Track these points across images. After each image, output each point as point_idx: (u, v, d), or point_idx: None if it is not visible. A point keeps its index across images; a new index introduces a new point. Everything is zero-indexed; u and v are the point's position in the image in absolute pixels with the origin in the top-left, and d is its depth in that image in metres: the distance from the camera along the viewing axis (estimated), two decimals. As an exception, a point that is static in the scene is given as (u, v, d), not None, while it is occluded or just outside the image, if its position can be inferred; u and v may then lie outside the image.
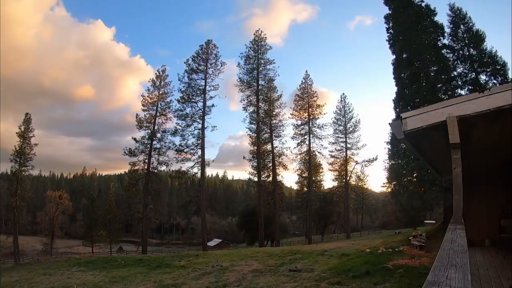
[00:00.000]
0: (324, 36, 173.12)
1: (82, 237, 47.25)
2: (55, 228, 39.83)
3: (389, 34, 21.99)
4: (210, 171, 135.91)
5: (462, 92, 19.35)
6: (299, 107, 42.01)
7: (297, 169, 43.20)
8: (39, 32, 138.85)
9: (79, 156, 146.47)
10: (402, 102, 19.83)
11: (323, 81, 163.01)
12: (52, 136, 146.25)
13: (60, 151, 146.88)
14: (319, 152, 42.76)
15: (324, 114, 41.72)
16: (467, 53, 20.25)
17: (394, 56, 21.36)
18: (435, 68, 20.22)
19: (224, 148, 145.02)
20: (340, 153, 44.48)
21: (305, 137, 41.50)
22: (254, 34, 38.49)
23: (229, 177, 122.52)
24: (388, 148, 23.23)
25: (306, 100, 41.83)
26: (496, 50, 19.55)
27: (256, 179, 37.35)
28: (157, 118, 34.65)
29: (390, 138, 22.36)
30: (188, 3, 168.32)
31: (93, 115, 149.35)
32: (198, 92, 34.84)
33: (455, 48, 20.67)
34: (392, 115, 22.38)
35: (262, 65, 37.86)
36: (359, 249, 15.17)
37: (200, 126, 34.43)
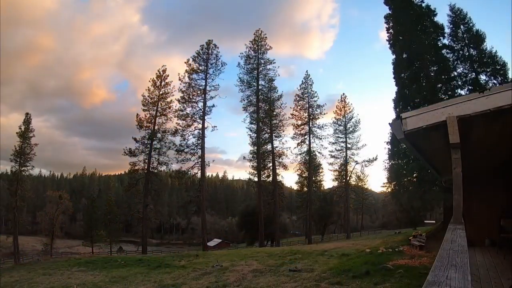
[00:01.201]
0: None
1: (82, 237, 47.25)
2: (55, 228, 39.83)
3: (389, 34, 22.01)
4: (210, 171, 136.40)
5: (462, 92, 19.37)
6: (299, 107, 41.99)
7: (297, 169, 43.21)
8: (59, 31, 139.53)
9: (82, 156, 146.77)
10: (402, 102, 19.84)
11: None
12: (65, 136, 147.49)
13: (73, 151, 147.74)
14: (319, 152, 42.79)
15: (324, 114, 41.72)
16: (467, 53, 20.26)
17: (394, 56, 21.38)
18: (435, 68, 20.23)
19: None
20: (340, 153, 44.48)
21: (305, 137, 41.46)
22: (254, 34, 38.47)
23: (229, 177, 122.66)
24: (388, 148, 23.23)
25: (306, 100, 41.82)
26: (496, 50, 19.61)
27: (256, 179, 37.35)
28: (157, 118, 34.67)
29: (390, 138, 22.36)
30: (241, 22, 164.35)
31: (101, 116, 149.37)
32: (199, 92, 34.89)
33: (455, 48, 20.68)
34: (392, 115, 22.40)
35: (262, 65, 37.87)
36: (359, 249, 15.17)
37: (200, 126, 34.49)
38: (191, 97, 34.67)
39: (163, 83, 35.50)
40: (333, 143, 44.21)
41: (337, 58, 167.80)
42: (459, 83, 20.07)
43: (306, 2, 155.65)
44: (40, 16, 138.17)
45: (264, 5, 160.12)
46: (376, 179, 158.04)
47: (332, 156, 44.28)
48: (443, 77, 19.97)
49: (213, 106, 35.21)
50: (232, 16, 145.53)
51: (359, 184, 50.18)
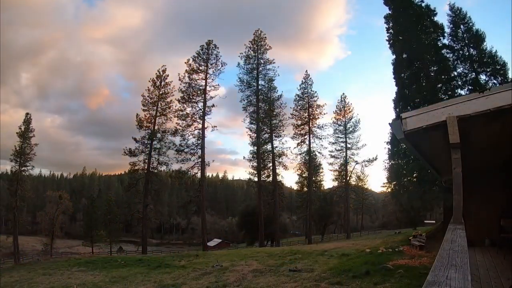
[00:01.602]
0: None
1: (82, 237, 47.21)
2: (55, 228, 39.80)
3: (389, 34, 21.99)
4: (210, 171, 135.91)
5: (462, 92, 19.37)
6: (299, 107, 42.00)
7: (297, 169, 43.22)
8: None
9: (85, 156, 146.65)
10: (402, 102, 19.84)
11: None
12: (70, 136, 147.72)
13: (76, 151, 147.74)
14: (319, 152, 42.81)
15: (324, 114, 41.73)
16: (467, 53, 20.26)
17: (394, 56, 21.38)
18: (435, 68, 20.22)
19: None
20: (340, 153, 44.47)
21: (305, 137, 41.47)
22: (254, 34, 38.47)
23: (229, 177, 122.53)
24: (388, 148, 23.22)
25: (306, 100, 41.82)
26: (496, 50, 19.61)
27: (256, 179, 37.34)
28: (157, 118, 34.68)
29: (390, 138, 22.35)
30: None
31: (105, 116, 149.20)
32: (199, 92, 34.89)
33: (455, 48, 20.68)
34: (392, 115, 22.39)
35: (262, 65, 37.87)
36: (359, 249, 15.16)
37: (200, 126, 34.49)
38: (191, 97, 34.69)
39: (163, 83, 35.52)
40: (333, 143, 44.28)
41: (352, 64, 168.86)
42: (459, 83, 20.07)
43: (325, 11, 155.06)
44: (48, 14, 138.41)
45: (285, 12, 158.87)
46: (376, 179, 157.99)
47: (332, 156, 44.35)
48: (443, 77, 19.96)
49: (213, 106, 35.27)
50: (251, 22, 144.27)
51: (359, 184, 50.14)
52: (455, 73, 20.32)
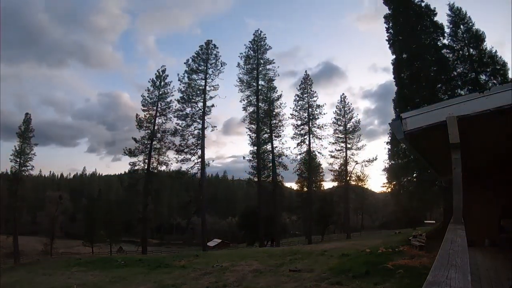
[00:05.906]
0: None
1: (82, 237, 47.18)
2: (55, 228, 39.80)
3: (389, 34, 22.00)
4: (210, 171, 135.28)
5: (462, 92, 19.38)
6: (299, 107, 41.95)
7: (297, 169, 43.16)
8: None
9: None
10: (402, 102, 19.85)
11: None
12: None
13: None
14: (319, 152, 42.75)
15: (324, 114, 41.71)
16: (467, 53, 20.28)
17: (394, 56, 21.39)
18: (435, 68, 20.23)
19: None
20: (340, 153, 44.42)
21: (305, 137, 41.42)
22: (254, 34, 38.51)
23: (229, 177, 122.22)
24: (388, 148, 23.27)
25: (306, 100, 41.80)
26: (496, 50, 19.63)
27: (256, 179, 37.33)
28: (157, 118, 34.74)
29: (390, 138, 22.37)
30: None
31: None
32: (198, 92, 34.93)
33: (455, 48, 20.69)
34: (392, 115, 22.42)
35: (262, 65, 37.87)
36: (359, 249, 15.15)
37: (200, 126, 34.50)
38: (190, 97, 34.72)
39: (162, 83, 35.54)
40: (333, 143, 44.20)
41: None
42: (459, 83, 20.09)
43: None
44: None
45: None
46: (376, 179, 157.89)
47: (332, 156, 44.21)
48: (443, 77, 19.97)
49: (213, 106, 35.33)
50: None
51: (359, 184, 50.08)
52: (455, 73, 20.33)
